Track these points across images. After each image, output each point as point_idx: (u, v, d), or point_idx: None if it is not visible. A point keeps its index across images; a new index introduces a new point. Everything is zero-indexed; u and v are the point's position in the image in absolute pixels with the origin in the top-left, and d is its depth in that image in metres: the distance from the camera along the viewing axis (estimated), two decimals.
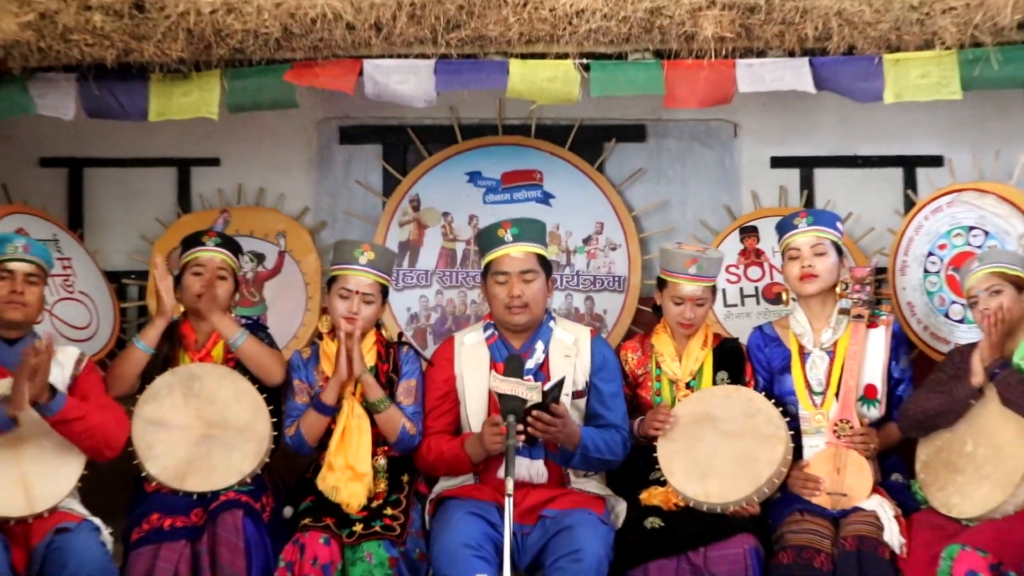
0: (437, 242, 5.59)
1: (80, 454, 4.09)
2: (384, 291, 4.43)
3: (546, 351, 4.29)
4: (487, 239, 4.34)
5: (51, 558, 3.81)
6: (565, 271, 5.53)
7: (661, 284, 4.56)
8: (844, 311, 4.44)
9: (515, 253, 4.24)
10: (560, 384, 4.06)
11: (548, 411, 3.97)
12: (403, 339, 4.62)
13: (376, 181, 5.67)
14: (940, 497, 4.17)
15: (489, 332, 4.34)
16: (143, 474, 4.30)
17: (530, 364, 4.24)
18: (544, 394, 3.95)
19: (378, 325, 4.50)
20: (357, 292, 4.32)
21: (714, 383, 4.47)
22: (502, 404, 3.87)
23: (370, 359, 4.37)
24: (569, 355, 4.30)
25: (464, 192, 5.59)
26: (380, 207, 5.65)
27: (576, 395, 4.28)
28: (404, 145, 5.64)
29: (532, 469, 4.18)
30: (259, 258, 5.52)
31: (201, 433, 4.34)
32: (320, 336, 4.48)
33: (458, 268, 5.56)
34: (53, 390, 3.92)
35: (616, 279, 5.60)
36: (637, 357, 4.60)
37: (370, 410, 4.29)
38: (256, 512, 4.15)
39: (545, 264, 4.32)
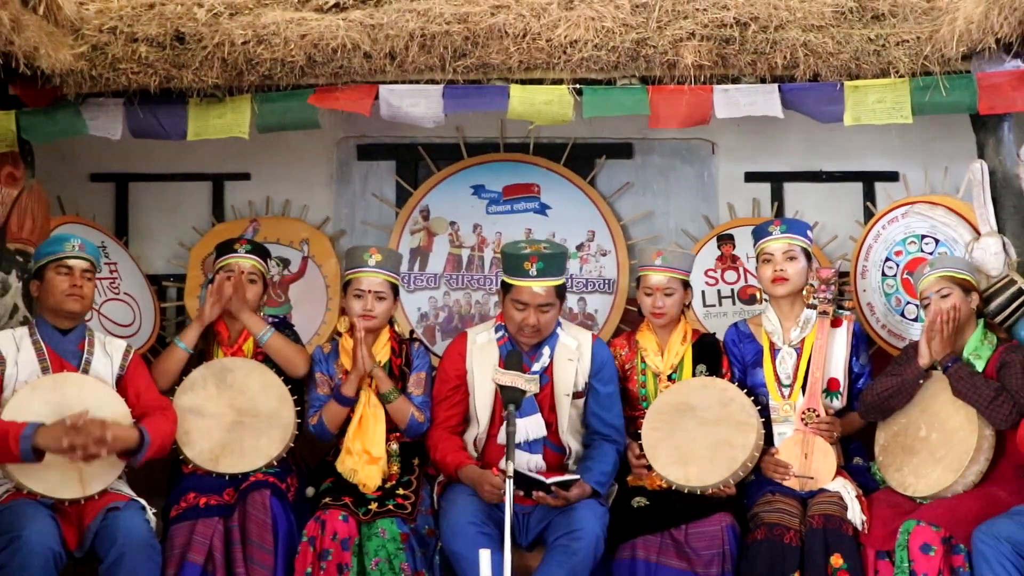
0: (445, 248, 5.52)
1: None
2: (395, 289, 4.36)
3: (551, 355, 4.21)
4: (512, 265, 4.19)
5: (102, 534, 3.78)
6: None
7: (638, 282, 4.52)
8: (811, 307, 4.38)
9: (537, 288, 4.13)
10: (571, 482, 4.00)
11: (550, 491, 3.97)
12: (414, 335, 4.58)
13: (390, 193, 5.61)
14: (897, 478, 4.14)
15: (500, 334, 4.24)
16: (180, 457, 4.27)
17: (536, 367, 4.15)
18: (558, 484, 3.96)
19: (392, 323, 4.44)
20: (370, 291, 4.28)
21: (693, 375, 4.40)
22: (503, 394, 3.83)
23: (384, 354, 4.32)
24: (572, 359, 4.21)
25: (469, 203, 5.52)
26: (393, 217, 5.58)
27: (576, 395, 4.21)
28: (415, 161, 5.58)
29: (532, 463, 4.11)
30: (285, 263, 5.48)
31: (232, 420, 4.29)
32: (339, 334, 4.44)
33: (464, 272, 5.48)
34: (133, 449, 3.92)
35: (606, 282, 5.52)
36: (624, 353, 4.52)
37: (382, 400, 4.25)
38: (282, 492, 4.12)
39: (562, 293, 4.24)
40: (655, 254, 4.41)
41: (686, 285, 4.44)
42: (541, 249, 4.09)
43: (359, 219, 5.60)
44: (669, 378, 4.39)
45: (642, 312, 4.53)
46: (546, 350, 4.17)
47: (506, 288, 4.13)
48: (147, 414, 4.02)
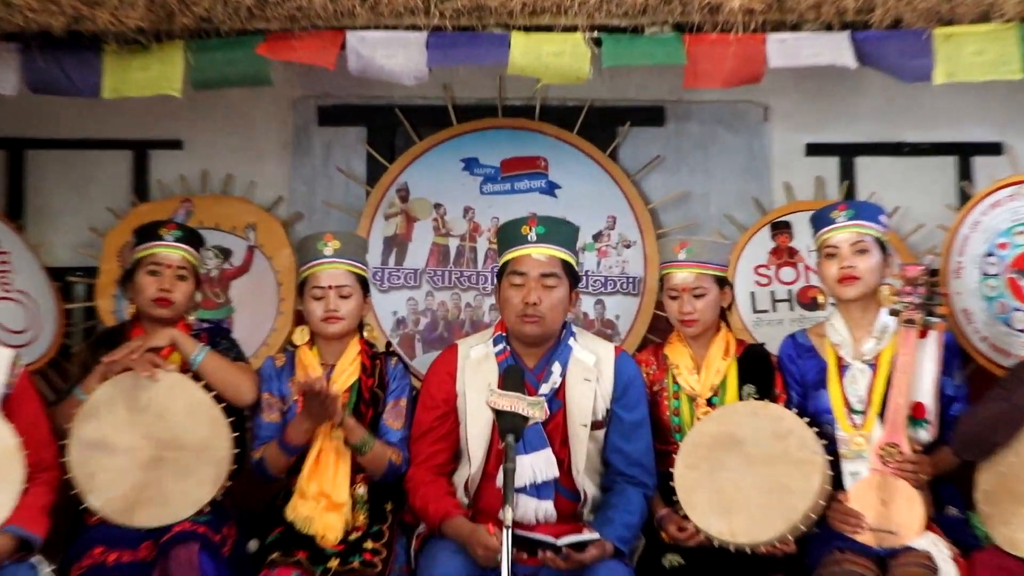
0: (428, 237, 5.54)
1: (15, 481, 4.01)
2: (362, 282, 4.40)
3: (563, 374, 4.20)
4: (508, 235, 4.27)
5: None
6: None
7: (661, 283, 4.53)
8: (895, 313, 4.32)
9: (537, 254, 4.16)
10: (587, 543, 4.02)
11: (560, 551, 3.99)
12: (391, 349, 4.56)
13: (359, 168, 5.64)
14: (1005, 533, 4.08)
15: (500, 347, 4.23)
16: (82, 507, 4.18)
17: (545, 389, 4.15)
18: (570, 545, 3.99)
19: (361, 327, 4.43)
20: (331, 287, 4.29)
21: (739, 399, 4.36)
22: (500, 422, 3.76)
23: (352, 373, 4.31)
24: (589, 379, 4.20)
25: (458, 181, 5.55)
26: (364, 197, 5.60)
27: (595, 426, 4.19)
28: (391, 128, 5.62)
29: (540, 511, 4.12)
30: (225, 254, 5.49)
31: (150, 456, 4.19)
32: (295, 345, 4.43)
33: (451, 267, 5.52)
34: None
35: (630, 280, 5.54)
36: (652, 371, 4.52)
37: (354, 451, 4.25)
38: (215, 545, 4.05)
39: (571, 273, 4.23)
40: (678, 246, 4.44)
41: (723, 283, 4.45)
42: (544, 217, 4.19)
43: (320, 199, 5.63)
44: (709, 403, 4.38)
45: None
46: (556, 367, 4.16)
47: (503, 270, 4.20)
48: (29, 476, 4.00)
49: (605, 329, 5.47)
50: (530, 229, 4.19)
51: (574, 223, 4.35)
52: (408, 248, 5.57)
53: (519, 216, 4.37)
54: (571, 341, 4.23)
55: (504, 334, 4.25)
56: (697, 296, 4.40)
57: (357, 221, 5.54)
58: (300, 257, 4.45)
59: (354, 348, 4.37)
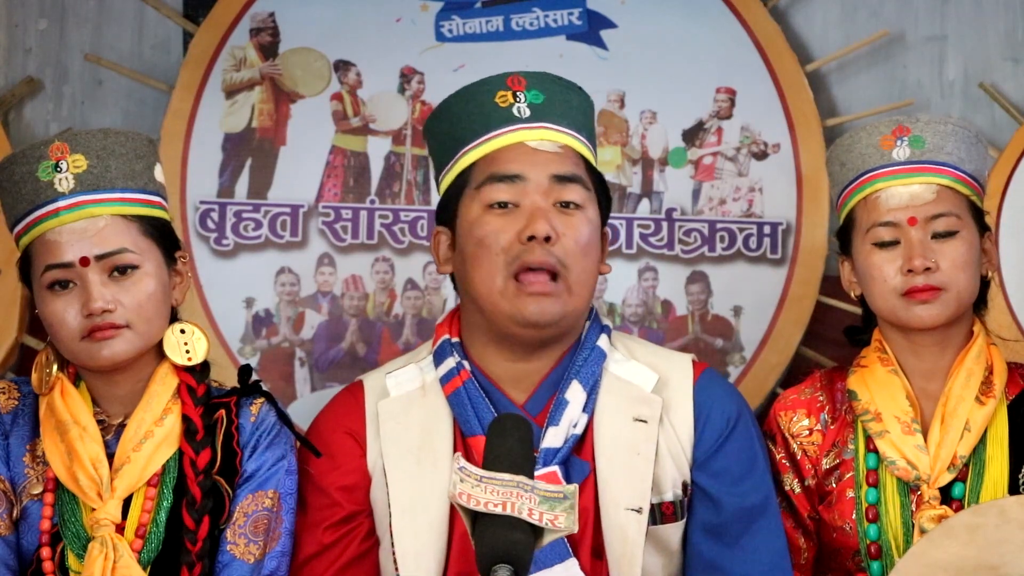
0: (322, 134, 3.95)
1: None
2: (161, 232, 2.96)
3: (591, 404, 2.88)
4: (471, 109, 3.00)
5: None
6: (640, 208, 3.92)
7: (846, 233, 3.11)
8: None
9: (536, 141, 2.88)
10: None
11: None
12: (252, 380, 3.07)
13: None
14: None
15: (451, 364, 2.92)
16: None
17: (554, 439, 2.82)
18: None
19: (178, 328, 2.97)
20: (86, 261, 2.88)
21: (1014, 487, 3.02)
22: (480, 541, 2.31)
23: (165, 441, 2.88)
24: (645, 418, 2.93)
25: (389, 13, 4.00)
26: (178, 47, 4.01)
27: (664, 515, 2.88)
28: None
29: None
30: None
31: None
32: (28, 387, 3.00)
33: (374, 198, 3.96)
34: None
35: (766, 230, 3.99)
36: (819, 428, 3.14)
37: None
38: None
39: (599, 182, 2.94)
40: (891, 133, 3.14)
41: (983, 221, 3.11)
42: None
43: (77, 48, 4.06)
44: (948, 494, 2.99)
45: (859, 332, 3.21)
46: (574, 390, 2.89)
47: (462, 182, 2.97)
48: None
49: (709, 336, 3.93)
50: (515, 96, 2.99)
51: (587, 94, 3.07)
52: (278, 159, 3.97)
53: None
54: (601, 342, 2.98)
55: (455, 340, 3.00)
56: (941, 235, 3.00)
57: (165, 101, 3.97)
58: (5, 202, 3.03)
59: (164, 384, 2.93)
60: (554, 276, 2.89)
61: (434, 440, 2.94)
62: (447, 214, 2.98)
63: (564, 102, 3.01)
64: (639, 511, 2.86)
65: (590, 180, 3.00)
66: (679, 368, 3.05)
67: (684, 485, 2.96)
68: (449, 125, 3.08)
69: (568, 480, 2.86)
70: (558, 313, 2.91)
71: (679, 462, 2.96)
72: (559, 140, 2.98)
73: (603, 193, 2.99)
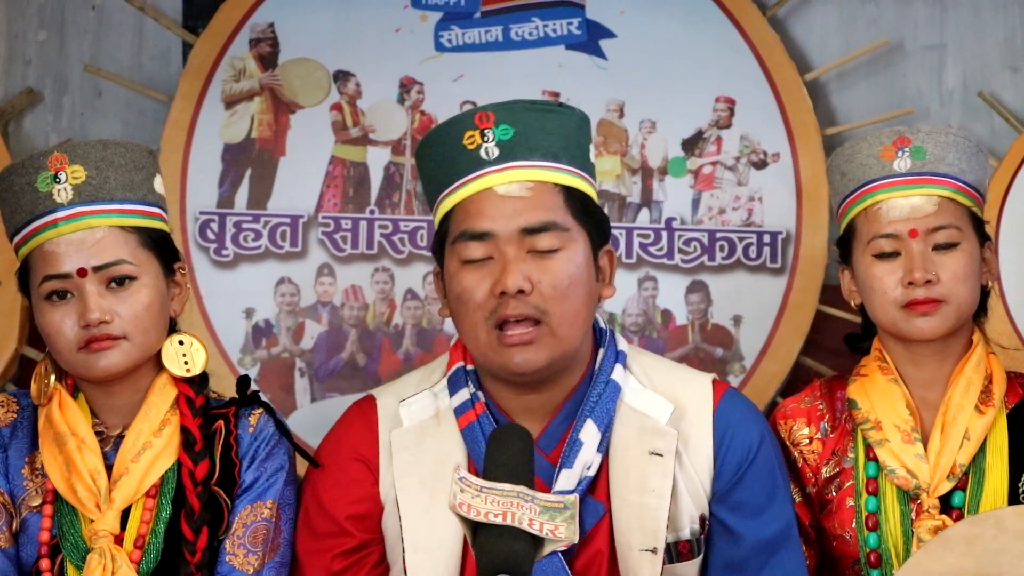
0: (322, 145, 3.96)
1: None
2: (158, 244, 2.97)
3: (605, 441, 2.83)
4: (443, 153, 2.94)
5: None
6: (640, 217, 3.95)
7: (846, 243, 3.12)
8: None
9: (504, 186, 2.83)
10: None
11: None
12: (250, 392, 3.06)
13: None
14: None
15: (465, 395, 2.86)
16: None
17: (567, 482, 2.76)
18: None
19: (175, 339, 2.98)
20: (83, 272, 2.90)
21: (1014, 496, 3.04)
22: (480, 551, 2.32)
23: (164, 452, 2.88)
24: (660, 451, 2.87)
25: (386, 23, 4.02)
26: (178, 57, 4.04)
27: (680, 553, 2.82)
28: None
29: None
30: None
31: None
32: (26, 400, 3.01)
33: (374, 208, 3.99)
34: None
35: (766, 239, 4.03)
36: (819, 436, 3.18)
37: None
38: None
39: (590, 212, 2.85)
40: (892, 144, 3.16)
41: (983, 231, 3.13)
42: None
43: (76, 59, 4.10)
44: (946, 504, 3.01)
45: (859, 339, 3.23)
46: (588, 429, 2.84)
47: (442, 234, 2.97)
48: None
49: (710, 345, 3.96)
50: (483, 135, 2.90)
51: (581, 112, 3.00)
52: (278, 170, 3.99)
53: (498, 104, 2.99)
54: (618, 372, 2.91)
55: (470, 367, 2.97)
56: (942, 247, 3.04)
57: (165, 111, 4.01)
58: (5, 214, 3.03)
59: (162, 395, 2.93)
60: (537, 321, 2.93)
61: (448, 473, 3.01)
62: (439, 257, 3.06)
63: (539, 130, 2.95)
64: (654, 551, 2.85)
65: (571, 213, 2.96)
66: (698, 393, 3.03)
67: (702, 518, 2.99)
68: (427, 167, 3.10)
69: (582, 523, 2.81)
70: (544, 360, 2.86)
71: (696, 496, 2.98)
72: (530, 179, 2.88)
73: (594, 218, 3.03)
